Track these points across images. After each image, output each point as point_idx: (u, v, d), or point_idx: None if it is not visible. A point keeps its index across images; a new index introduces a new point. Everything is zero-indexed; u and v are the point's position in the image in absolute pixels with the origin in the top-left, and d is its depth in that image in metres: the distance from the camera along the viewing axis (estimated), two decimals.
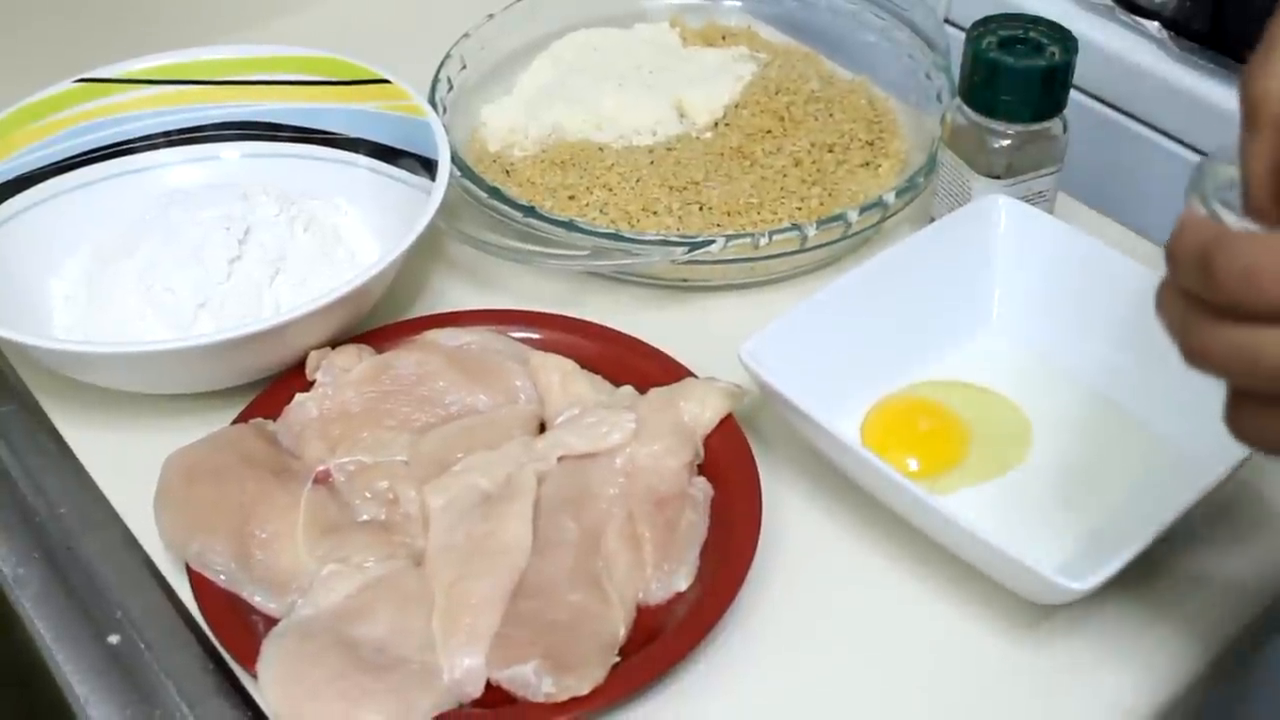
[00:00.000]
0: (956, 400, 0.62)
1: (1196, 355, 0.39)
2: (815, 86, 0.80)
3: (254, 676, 0.51)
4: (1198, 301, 0.38)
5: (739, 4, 0.88)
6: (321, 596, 0.54)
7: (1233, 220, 0.39)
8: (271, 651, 0.52)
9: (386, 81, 0.73)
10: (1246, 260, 0.36)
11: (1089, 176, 0.75)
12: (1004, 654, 0.54)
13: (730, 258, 0.67)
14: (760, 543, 0.55)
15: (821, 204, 0.72)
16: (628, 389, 0.62)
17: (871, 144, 0.76)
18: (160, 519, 0.57)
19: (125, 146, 0.74)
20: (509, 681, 0.51)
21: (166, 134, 0.75)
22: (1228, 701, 0.63)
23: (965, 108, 0.66)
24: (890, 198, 0.69)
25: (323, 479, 0.59)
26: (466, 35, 0.81)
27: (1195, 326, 0.38)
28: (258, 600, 0.55)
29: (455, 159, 0.69)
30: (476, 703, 0.51)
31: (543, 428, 0.62)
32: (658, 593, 0.55)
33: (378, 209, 0.72)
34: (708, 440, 0.60)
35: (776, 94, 0.80)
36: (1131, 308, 0.62)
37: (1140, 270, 0.62)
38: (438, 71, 0.78)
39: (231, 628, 0.54)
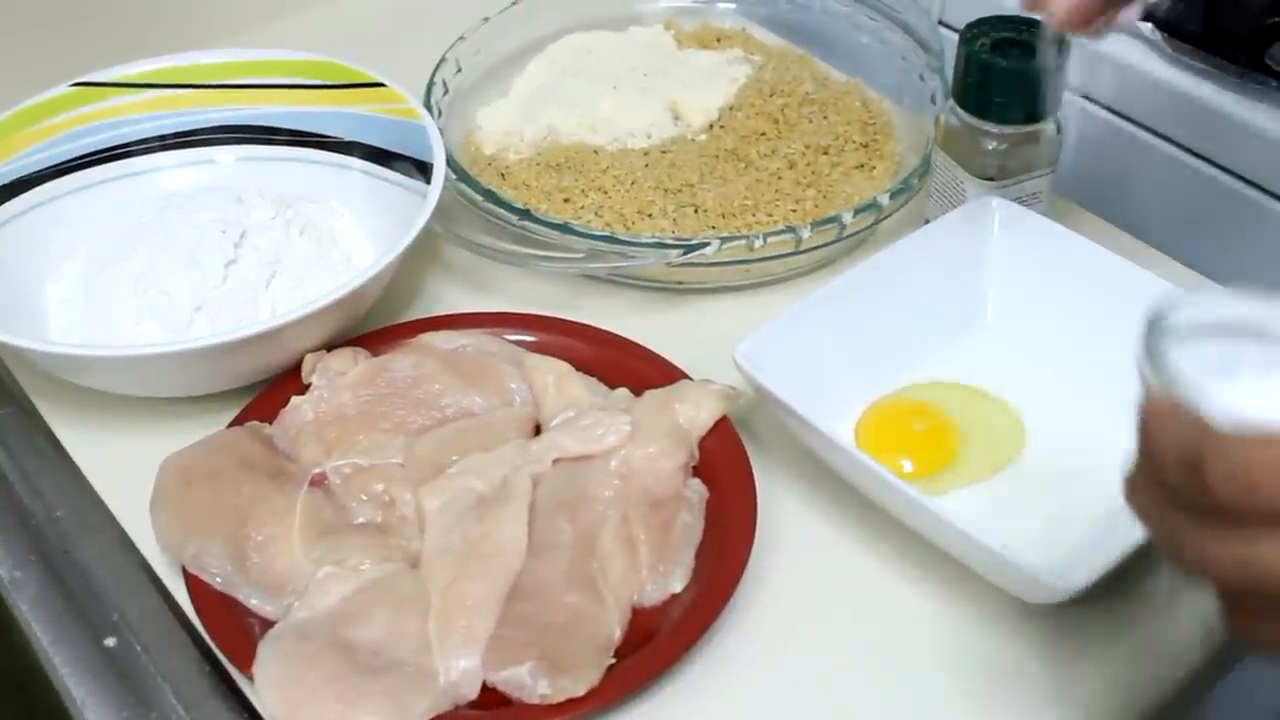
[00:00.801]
0: (950, 401, 0.63)
1: (1188, 563, 0.35)
2: (810, 89, 0.81)
3: (250, 679, 0.52)
4: (1182, 499, 0.35)
5: (733, 6, 0.89)
6: (318, 599, 0.54)
7: (1204, 387, 0.34)
8: (268, 654, 0.52)
9: (381, 85, 0.73)
10: (1238, 462, 0.33)
11: (1082, 178, 0.75)
12: (997, 653, 0.54)
13: (725, 260, 0.68)
14: (755, 544, 0.56)
15: (816, 206, 0.72)
16: (623, 391, 0.62)
17: (866, 146, 0.77)
18: (157, 522, 0.57)
19: (121, 150, 0.74)
20: (505, 683, 0.51)
21: (162, 137, 0.75)
22: (1220, 704, 0.63)
23: (958, 110, 0.66)
24: (884, 200, 0.69)
25: (319, 482, 0.60)
26: (461, 38, 0.81)
27: (1188, 533, 0.35)
28: (254, 603, 0.55)
29: (450, 162, 0.69)
30: (472, 705, 0.51)
31: (538, 430, 0.62)
32: (653, 594, 0.55)
33: (373, 212, 0.72)
34: (703, 442, 0.60)
35: (771, 96, 0.80)
36: (1123, 308, 0.62)
37: (1133, 271, 0.62)
38: (433, 75, 0.78)
39: (228, 630, 0.54)
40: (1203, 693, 0.57)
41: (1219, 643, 0.55)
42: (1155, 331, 0.37)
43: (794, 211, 0.72)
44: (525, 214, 0.69)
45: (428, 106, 0.74)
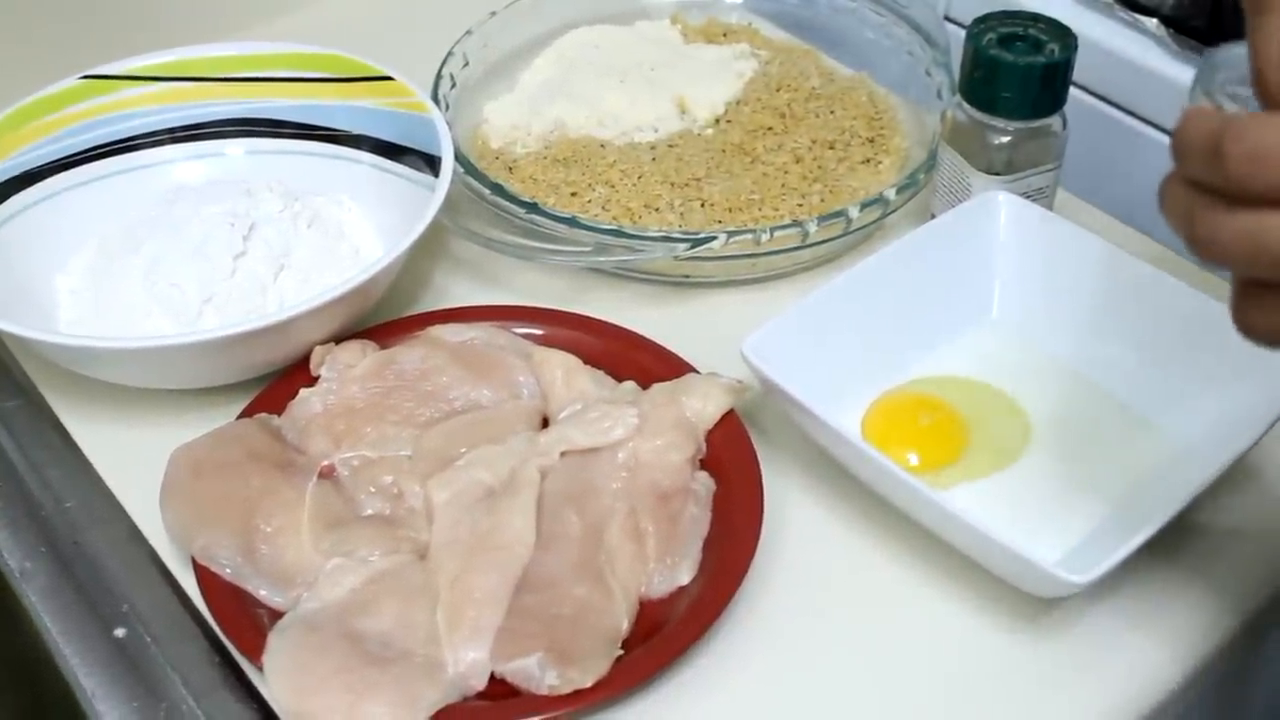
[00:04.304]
0: (956, 395, 0.63)
1: (1202, 244, 0.38)
2: (816, 83, 0.81)
3: (260, 669, 0.52)
4: (1204, 190, 0.38)
5: (739, 1, 0.89)
6: (326, 590, 0.54)
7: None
8: (277, 644, 0.52)
9: (389, 78, 0.73)
10: (1253, 142, 0.36)
11: (1088, 173, 0.75)
12: (1005, 647, 0.55)
13: (732, 254, 0.68)
14: (762, 536, 0.56)
15: (823, 200, 0.73)
16: (630, 384, 0.63)
17: (872, 141, 0.77)
18: (166, 513, 0.58)
19: (130, 143, 0.74)
20: (513, 674, 0.51)
21: (171, 130, 0.75)
22: (1225, 692, 0.63)
23: (965, 105, 0.67)
24: (891, 194, 0.69)
25: (327, 474, 0.60)
26: (469, 32, 0.81)
27: (1200, 215, 0.38)
28: (263, 594, 0.55)
29: (458, 156, 0.69)
30: (480, 695, 0.52)
31: (546, 423, 0.62)
32: (660, 586, 0.55)
33: (381, 205, 0.72)
34: (710, 435, 0.60)
35: (777, 91, 0.80)
36: (1130, 302, 0.63)
37: (1139, 266, 0.62)
38: (440, 68, 0.78)
39: (237, 621, 0.54)
40: (1211, 688, 0.57)
41: (1229, 635, 0.55)
42: (1206, 65, 0.43)
43: (800, 206, 0.72)
44: (533, 207, 0.69)
45: (435, 100, 0.74)
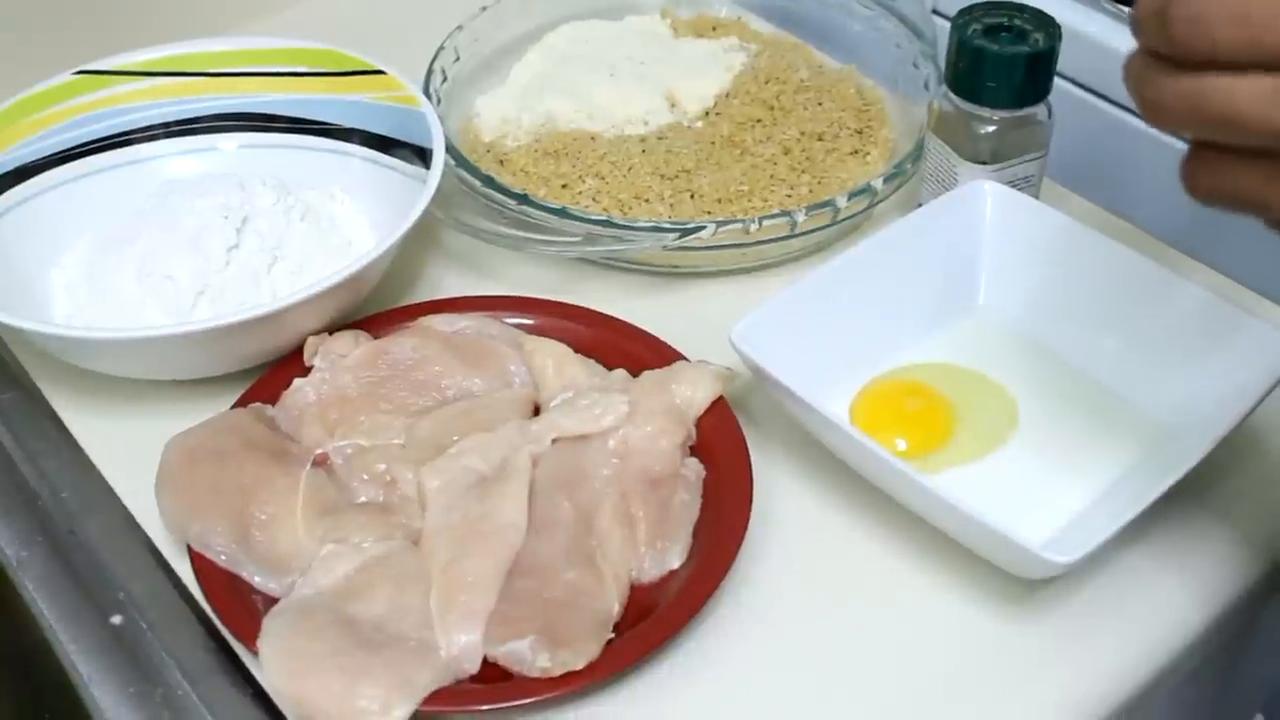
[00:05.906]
0: (944, 382, 0.63)
1: (1149, 106, 0.40)
2: (804, 76, 0.81)
3: (255, 654, 0.52)
4: (1157, 58, 0.39)
5: None
6: (321, 576, 0.55)
7: None
8: (272, 629, 0.52)
9: (381, 73, 0.73)
10: (1195, 7, 0.37)
11: (1073, 162, 0.76)
12: (993, 629, 0.55)
13: (721, 243, 0.68)
14: (751, 521, 0.56)
15: (811, 191, 0.73)
16: (620, 372, 0.63)
17: (860, 132, 0.77)
18: (161, 501, 0.58)
19: (124, 137, 0.75)
20: (505, 657, 0.52)
21: (165, 125, 0.76)
22: (1233, 653, 0.64)
23: (951, 95, 0.67)
24: (878, 184, 0.70)
25: (321, 462, 0.60)
26: (460, 27, 0.82)
27: (1151, 80, 0.40)
28: (258, 580, 0.56)
29: (450, 149, 0.70)
30: (473, 678, 0.52)
31: (537, 411, 0.63)
32: (651, 570, 0.56)
33: (373, 198, 0.72)
34: (700, 422, 0.61)
35: (766, 83, 0.81)
36: (1115, 290, 0.63)
37: (1123, 253, 0.63)
38: (432, 63, 0.79)
39: (232, 607, 0.54)
40: (1197, 666, 0.57)
41: (1212, 617, 0.56)
42: None
43: (789, 197, 0.73)
44: (524, 199, 0.69)
45: (427, 94, 0.75)
